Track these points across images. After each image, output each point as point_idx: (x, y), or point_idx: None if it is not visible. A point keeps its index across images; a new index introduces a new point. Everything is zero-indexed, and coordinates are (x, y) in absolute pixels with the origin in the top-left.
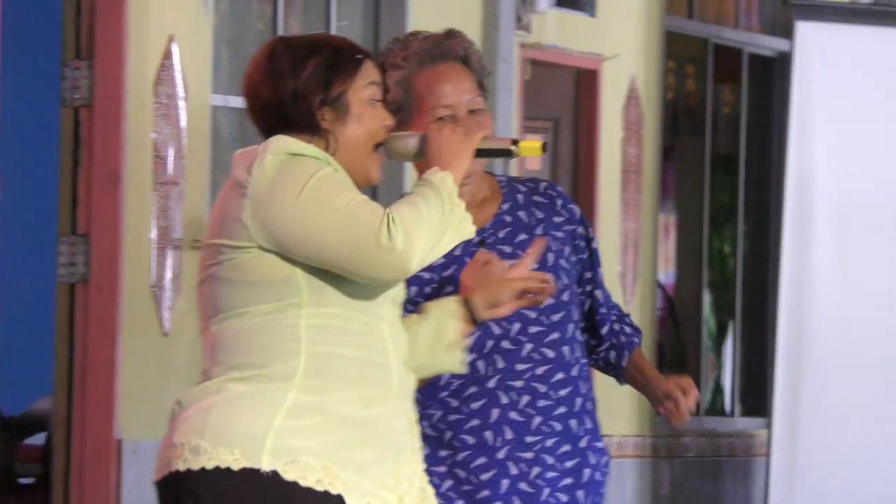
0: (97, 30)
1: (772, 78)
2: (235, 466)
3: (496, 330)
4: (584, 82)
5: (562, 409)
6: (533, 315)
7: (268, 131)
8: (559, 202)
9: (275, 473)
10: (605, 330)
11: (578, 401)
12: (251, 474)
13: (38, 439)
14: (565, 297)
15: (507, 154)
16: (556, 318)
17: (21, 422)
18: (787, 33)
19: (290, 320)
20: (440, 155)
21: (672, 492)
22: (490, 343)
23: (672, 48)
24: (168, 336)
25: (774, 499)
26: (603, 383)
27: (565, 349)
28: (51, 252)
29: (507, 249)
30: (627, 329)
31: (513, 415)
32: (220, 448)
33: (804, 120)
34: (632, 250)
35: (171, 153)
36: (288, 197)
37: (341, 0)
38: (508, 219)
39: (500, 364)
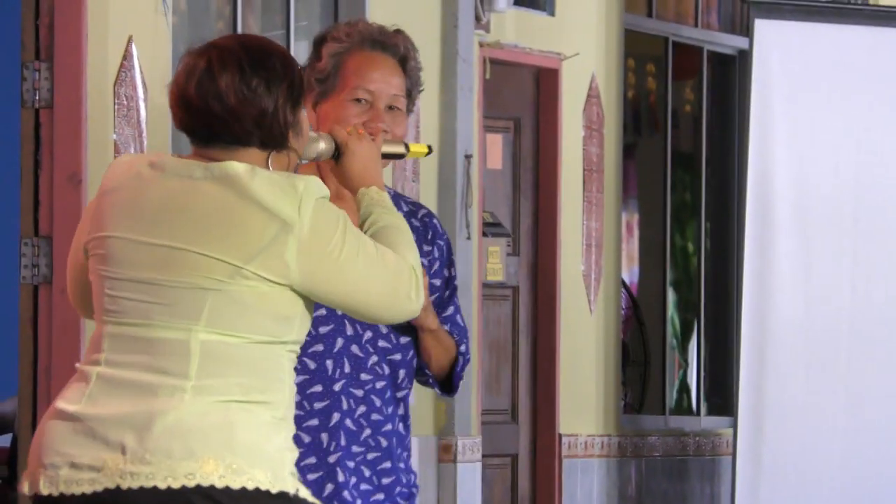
0: (56, 31)
1: (732, 76)
2: (273, 489)
3: (349, 331)
4: (545, 81)
5: (388, 427)
6: (384, 330)
7: (211, 136)
8: (430, 232)
9: (297, 495)
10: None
11: (404, 421)
12: (284, 497)
13: (3, 440)
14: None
15: (400, 156)
16: (404, 340)
17: None
18: (747, 31)
19: (278, 353)
20: (365, 169)
21: (638, 491)
22: (340, 342)
23: (632, 46)
24: None
25: (741, 498)
26: (568, 384)
27: (402, 372)
28: (13, 254)
29: None
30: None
31: (348, 422)
32: (255, 469)
33: (764, 117)
34: (595, 250)
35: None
36: (335, 247)
37: (300, 0)
38: None
39: (347, 368)
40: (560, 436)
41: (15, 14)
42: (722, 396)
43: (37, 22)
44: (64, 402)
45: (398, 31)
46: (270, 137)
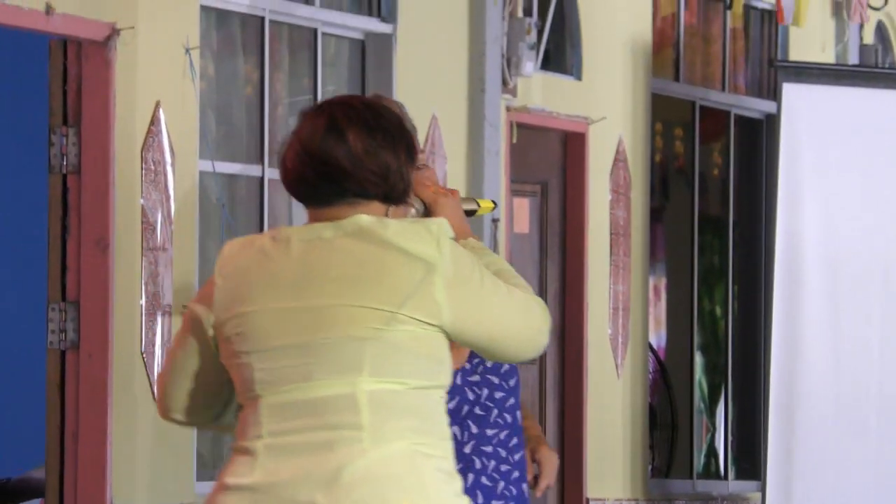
0: (84, 96)
1: (759, 139)
2: None
3: (470, 395)
4: (572, 145)
5: (516, 474)
6: (496, 380)
7: (334, 193)
8: None
9: None
10: None
11: (524, 467)
12: None
13: None
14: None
15: (472, 213)
16: (512, 383)
17: (17, 487)
18: (774, 95)
19: (435, 397)
20: (459, 220)
21: None
22: (466, 409)
23: (659, 110)
24: None
25: None
26: (595, 448)
27: (518, 414)
28: (41, 319)
29: None
30: None
31: (484, 479)
32: None
33: (792, 180)
34: (622, 313)
35: (159, 219)
36: (476, 284)
37: (327, 65)
38: None
39: (474, 429)
40: (588, 499)
41: (43, 79)
42: (750, 460)
43: (64, 87)
44: (233, 478)
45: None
46: (394, 192)
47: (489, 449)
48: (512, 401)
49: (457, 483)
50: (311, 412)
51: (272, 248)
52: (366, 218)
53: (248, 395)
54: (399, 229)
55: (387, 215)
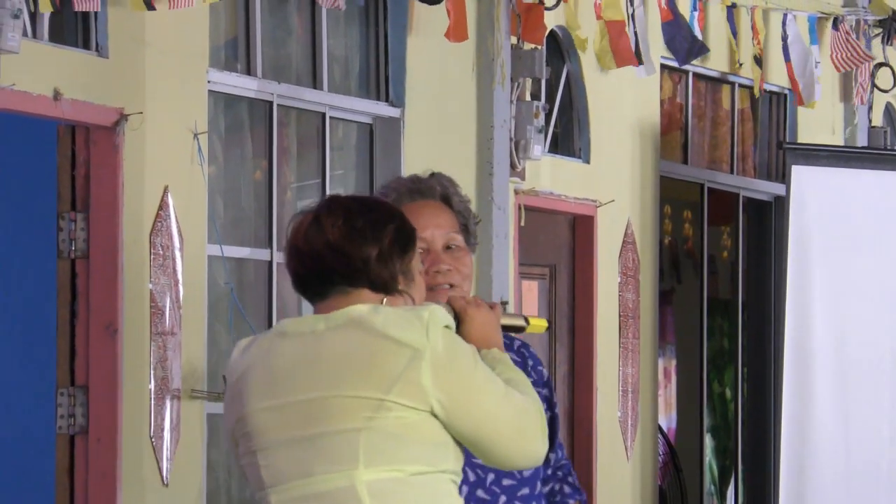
0: (92, 181)
1: (768, 221)
2: None
3: (471, 477)
4: (580, 228)
5: None
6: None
7: (325, 284)
8: (530, 363)
9: None
10: (545, 489)
11: None
12: None
13: None
14: (537, 480)
15: (520, 329)
16: (527, 473)
17: None
18: (783, 177)
19: (440, 482)
20: (485, 334)
21: None
22: (465, 489)
23: (667, 193)
24: (168, 486)
25: None
26: None
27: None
28: (50, 403)
29: None
30: (567, 489)
31: None
32: None
33: (801, 262)
34: (631, 395)
35: (168, 303)
36: (467, 373)
37: (336, 149)
38: None
39: None
40: None
41: (51, 164)
42: None
43: (73, 172)
44: None
45: (432, 175)
46: (380, 280)
47: None
48: (525, 491)
49: None
50: None
51: (271, 344)
52: (358, 308)
53: (260, 493)
54: (388, 317)
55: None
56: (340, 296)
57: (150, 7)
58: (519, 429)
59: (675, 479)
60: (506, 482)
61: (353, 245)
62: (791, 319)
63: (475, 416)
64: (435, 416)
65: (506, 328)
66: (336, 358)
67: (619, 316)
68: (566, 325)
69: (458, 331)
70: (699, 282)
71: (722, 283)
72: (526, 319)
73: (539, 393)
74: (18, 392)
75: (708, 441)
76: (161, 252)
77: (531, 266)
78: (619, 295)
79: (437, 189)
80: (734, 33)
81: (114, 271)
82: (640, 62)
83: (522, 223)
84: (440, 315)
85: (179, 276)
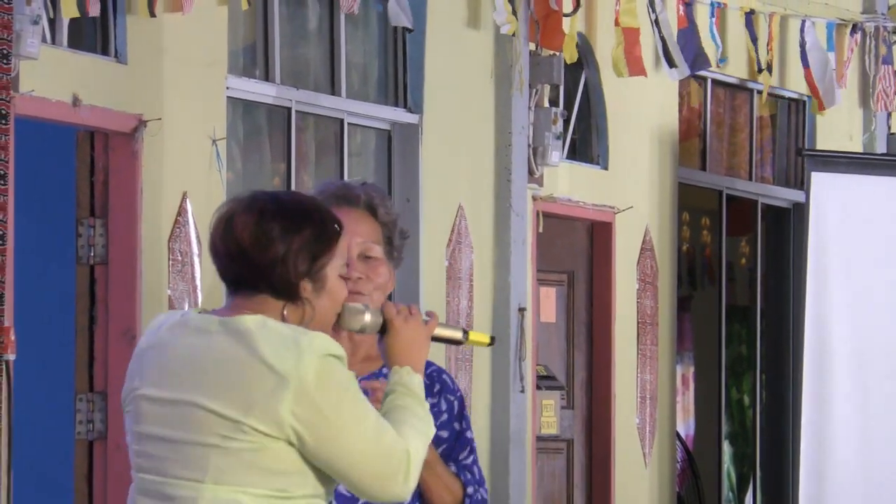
0: (111, 187)
1: (786, 228)
2: None
3: (344, 489)
4: (598, 234)
5: None
6: None
7: (235, 283)
8: (437, 387)
9: None
10: None
11: None
12: None
13: None
14: None
15: (457, 342)
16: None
17: None
18: (802, 184)
19: None
20: (407, 348)
21: None
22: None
23: (686, 200)
24: None
25: None
26: None
27: None
28: (68, 410)
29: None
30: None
31: None
32: None
33: (820, 269)
34: (649, 402)
35: (186, 309)
36: (332, 408)
37: (354, 156)
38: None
39: None
40: None
41: (70, 170)
42: None
43: (91, 178)
44: None
45: (364, 183)
46: (281, 285)
47: None
48: None
49: None
50: None
51: (172, 332)
52: (248, 319)
53: (132, 471)
54: (271, 335)
55: (283, 314)
56: (244, 298)
57: (152, 14)
58: (377, 472)
59: (692, 486)
60: None
61: (258, 249)
62: (810, 326)
63: (332, 453)
64: (292, 444)
65: (441, 340)
66: (212, 367)
67: (638, 322)
68: (584, 332)
69: (383, 339)
70: (717, 289)
71: (740, 289)
72: (465, 333)
73: (444, 424)
74: (37, 398)
75: (726, 448)
76: (180, 258)
77: (549, 272)
78: (638, 301)
79: (361, 198)
80: (754, 40)
81: (132, 277)
82: (648, 71)
83: (540, 229)
84: (321, 343)
85: (198, 282)
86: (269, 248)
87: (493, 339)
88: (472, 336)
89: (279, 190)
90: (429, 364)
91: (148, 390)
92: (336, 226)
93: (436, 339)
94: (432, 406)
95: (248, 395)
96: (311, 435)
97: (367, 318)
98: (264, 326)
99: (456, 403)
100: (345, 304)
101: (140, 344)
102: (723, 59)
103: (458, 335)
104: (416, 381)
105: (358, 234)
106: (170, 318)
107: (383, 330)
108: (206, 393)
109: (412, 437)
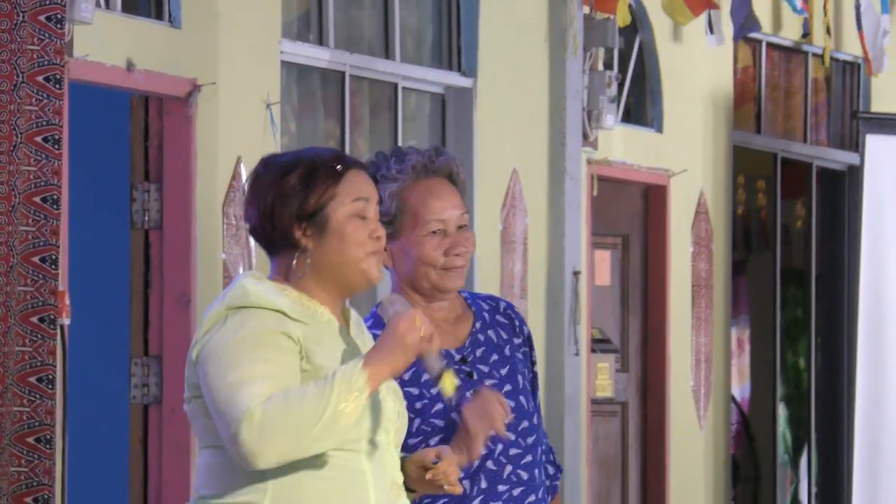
0: (165, 152)
1: (841, 191)
2: None
3: (482, 450)
4: (653, 198)
5: None
6: (512, 436)
7: (267, 250)
8: (517, 323)
9: None
10: None
11: None
12: None
13: None
14: (535, 419)
15: (429, 372)
16: (530, 440)
17: None
18: (857, 146)
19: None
20: (385, 346)
21: None
22: (476, 463)
23: (741, 163)
24: None
25: None
26: (678, 500)
27: (536, 471)
28: (123, 374)
29: (485, 369)
30: (551, 469)
31: None
32: None
33: (875, 232)
34: (704, 365)
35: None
36: (207, 355)
37: (408, 120)
38: (482, 338)
39: (484, 484)
40: None
41: (124, 135)
42: None
43: (146, 143)
44: None
45: (438, 150)
46: (275, 235)
47: None
48: (529, 457)
49: None
50: None
51: None
52: (239, 283)
53: None
54: (222, 296)
55: (292, 267)
56: (272, 261)
57: None
58: (224, 422)
59: (748, 449)
60: (512, 451)
61: (251, 207)
62: (865, 288)
63: (207, 395)
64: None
65: (423, 362)
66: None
67: (692, 286)
68: (639, 295)
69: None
70: (772, 252)
71: (796, 252)
72: (443, 372)
73: (528, 353)
74: (92, 362)
75: (781, 411)
76: (234, 222)
77: (604, 236)
78: (692, 265)
79: (447, 168)
80: (806, 2)
81: (187, 242)
82: (717, 5)
83: (595, 193)
84: (234, 294)
85: (252, 247)
86: (260, 204)
87: (459, 388)
88: (446, 379)
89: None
90: (497, 300)
91: None
92: (337, 166)
93: (420, 358)
94: (518, 346)
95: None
96: (199, 380)
97: (393, 311)
98: (233, 286)
99: (529, 337)
100: (389, 295)
101: None
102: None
103: (435, 368)
104: (356, 379)
105: (455, 206)
106: None
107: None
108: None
109: (275, 404)
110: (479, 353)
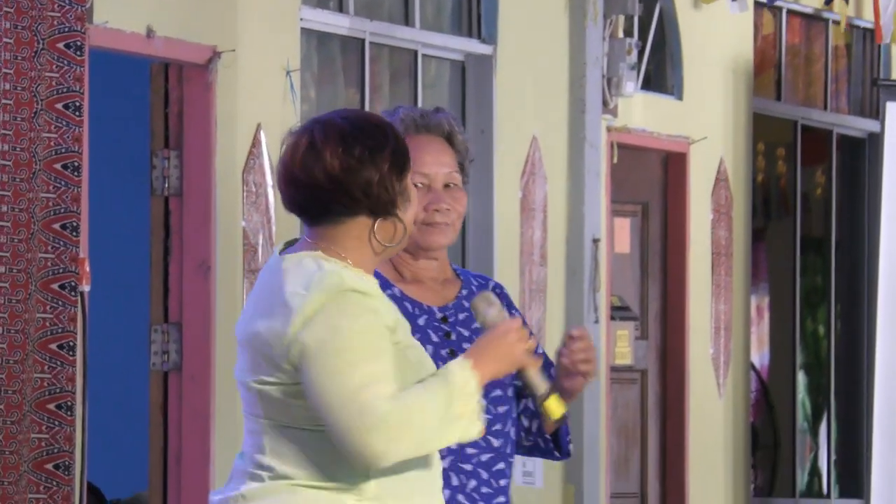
0: (185, 119)
1: (862, 159)
2: None
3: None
4: (672, 165)
5: (501, 499)
6: (483, 402)
7: (318, 214)
8: (505, 303)
9: None
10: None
11: (510, 494)
12: None
13: None
14: (510, 392)
15: (534, 397)
16: (501, 409)
17: None
18: (877, 114)
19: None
20: (493, 352)
21: None
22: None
23: (760, 130)
24: None
25: None
26: (697, 468)
27: (505, 441)
28: (143, 341)
29: (465, 332)
30: (554, 450)
31: (461, 497)
32: None
33: (895, 199)
34: (723, 333)
35: (260, 241)
36: (319, 346)
37: (427, 87)
38: (466, 304)
39: (454, 445)
40: None
41: (144, 102)
42: (853, 479)
43: (166, 110)
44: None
45: (438, 110)
46: (378, 205)
47: (468, 467)
48: (498, 426)
49: None
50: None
51: (267, 265)
52: (291, 258)
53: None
54: (295, 275)
55: (373, 230)
56: (332, 224)
57: None
58: (348, 430)
59: (767, 417)
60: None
61: (353, 175)
62: (885, 255)
63: (313, 391)
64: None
65: (524, 380)
66: (263, 302)
67: (712, 253)
68: (658, 262)
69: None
70: (792, 219)
71: (815, 220)
72: (548, 395)
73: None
74: (112, 329)
75: (801, 378)
76: (254, 189)
77: (623, 203)
78: (712, 232)
79: (444, 126)
80: None
81: (207, 209)
82: None
83: (615, 160)
84: (335, 281)
85: (272, 214)
86: (362, 172)
87: (564, 417)
88: (551, 401)
89: (337, 111)
90: (487, 279)
91: (238, 330)
92: (404, 142)
93: (523, 377)
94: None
95: (275, 332)
96: (303, 370)
97: (493, 312)
98: (298, 265)
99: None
100: (482, 292)
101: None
102: None
103: (542, 390)
104: (467, 383)
105: (443, 164)
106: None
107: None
108: (259, 331)
109: (410, 409)
110: (461, 317)
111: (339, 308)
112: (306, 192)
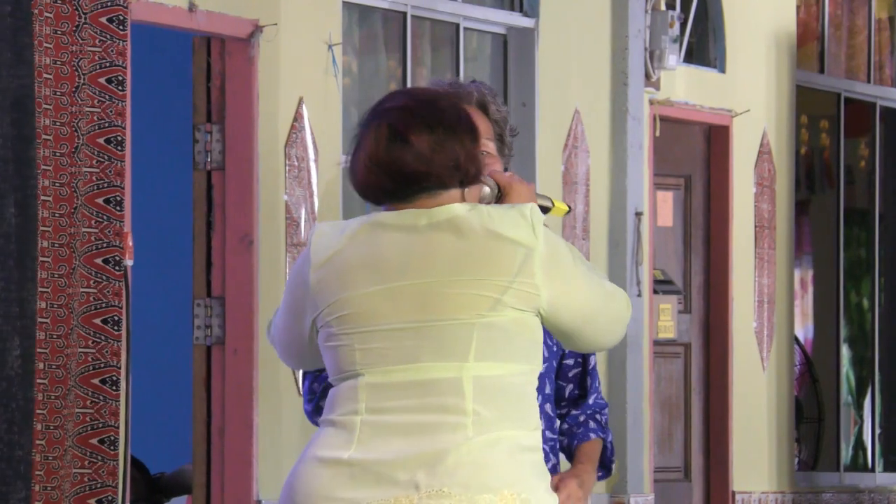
0: (227, 93)
1: None
2: None
3: None
4: (715, 138)
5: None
6: None
7: (412, 194)
8: None
9: None
10: (566, 424)
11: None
12: None
13: (183, 501)
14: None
15: (546, 210)
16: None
17: (170, 482)
18: None
19: (531, 381)
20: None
21: None
22: None
23: (804, 103)
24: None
25: None
26: (741, 441)
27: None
28: (187, 315)
29: None
30: (592, 423)
31: None
32: (542, 502)
33: None
34: (767, 306)
35: (303, 215)
36: (569, 266)
37: (469, 60)
38: None
39: None
40: (734, 493)
41: (186, 77)
42: None
43: (208, 85)
44: (326, 450)
45: (473, 81)
46: (469, 177)
47: None
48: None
49: (548, 478)
50: (416, 394)
51: (369, 233)
52: (458, 207)
53: (344, 374)
54: (495, 216)
55: (463, 198)
56: (428, 197)
57: None
58: (611, 313)
59: (811, 390)
60: None
61: (443, 154)
62: None
63: (577, 308)
64: (539, 314)
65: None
66: (447, 253)
67: (755, 226)
68: (701, 236)
69: (499, 201)
70: (836, 192)
71: (859, 192)
72: (551, 201)
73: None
74: (156, 303)
75: (845, 351)
76: (296, 163)
77: (666, 176)
78: (755, 205)
79: (474, 95)
80: None
81: (249, 183)
82: None
83: (657, 133)
84: (538, 212)
85: (314, 188)
86: (451, 150)
87: (570, 207)
88: (557, 203)
89: (398, 94)
90: None
91: (368, 288)
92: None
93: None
94: None
95: (502, 274)
96: (558, 296)
97: (486, 188)
98: (478, 209)
99: None
100: None
101: (315, 260)
102: None
103: (547, 203)
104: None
105: None
106: (342, 225)
107: (499, 198)
108: (455, 281)
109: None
110: None
111: (552, 234)
112: (399, 178)
